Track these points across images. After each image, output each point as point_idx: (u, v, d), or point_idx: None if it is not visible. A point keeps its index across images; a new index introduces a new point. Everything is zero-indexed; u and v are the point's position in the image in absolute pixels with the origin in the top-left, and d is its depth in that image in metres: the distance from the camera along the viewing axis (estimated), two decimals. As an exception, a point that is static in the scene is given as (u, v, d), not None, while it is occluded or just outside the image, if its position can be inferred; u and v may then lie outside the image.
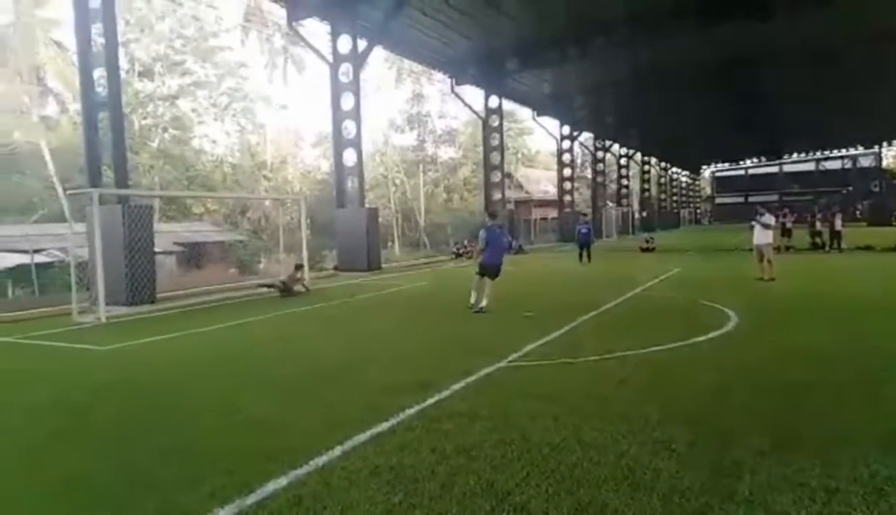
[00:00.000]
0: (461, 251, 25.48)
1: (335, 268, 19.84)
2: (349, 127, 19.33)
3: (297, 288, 13.64)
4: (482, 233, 10.42)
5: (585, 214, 25.18)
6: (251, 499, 3.35)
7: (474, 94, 29.76)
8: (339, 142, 19.60)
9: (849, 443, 3.88)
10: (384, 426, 4.48)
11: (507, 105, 32.95)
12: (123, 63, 28.46)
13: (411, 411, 4.81)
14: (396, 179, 48.43)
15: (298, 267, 14.35)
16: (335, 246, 21.28)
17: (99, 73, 12.71)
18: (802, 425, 4.29)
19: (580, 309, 9.65)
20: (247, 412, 4.99)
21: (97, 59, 12.72)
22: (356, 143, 19.42)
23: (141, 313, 11.02)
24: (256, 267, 32.19)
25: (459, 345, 7.53)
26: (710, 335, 7.50)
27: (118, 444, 4.40)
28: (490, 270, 10.20)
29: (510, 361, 6.44)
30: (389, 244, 43.17)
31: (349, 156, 19.58)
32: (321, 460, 3.87)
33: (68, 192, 18.59)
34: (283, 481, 3.57)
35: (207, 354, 7.62)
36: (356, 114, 19.27)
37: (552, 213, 44.93)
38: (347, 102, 19.31)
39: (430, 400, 5.08)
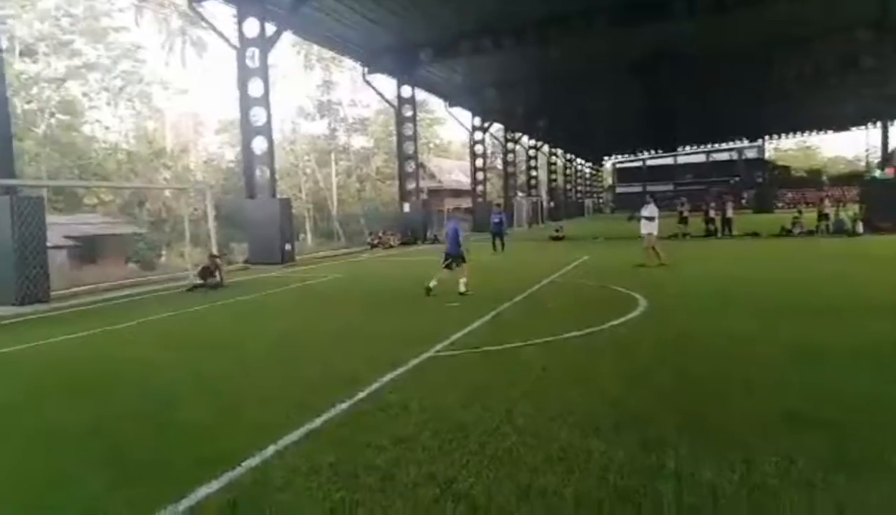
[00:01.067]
0: (376, 242, 25.31)
1: (246, 262, 19.14)
2: (258, 114, 18.64)
3: (213, 280, 13.10)
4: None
5: (499, 204, 25.77)
6: (183, 505, 3.21)
7: (387, 83, 29.54)
8: (248, 130, 18.86)
9: (757, 418, 4.23)
10: (317, 422, 4.41)
11: (420, 95, 32.95)
12: (1, 40, 25.90)
13: (343, 406, 4.76)
14: (307, 169, 47.25)
15: (213, 257, 13.75)
16: (244, 238, 20.50)
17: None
18: (713, 403, 4.62)
19: (500, 298, 9.87)
20: (173, 415, 4.75)
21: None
22: (266, 131, 18.78)
23: (37, 312, 10.17)
24: (157, 262, 30.46)
25: (385, 337, 7.50)
26: (623, 319, 7.89)
27: (41, 450, 4.06)
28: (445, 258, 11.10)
29: (437, 351, 6.49)
30: (301, 236, 42.10)
31: (259, 145, 18.89)
32: (254, 461, 3.75)
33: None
34: (214, 485, 3.44)
35: (120, 355, 7.16)
36: (265, 100, 18.63)
37: (465, 203, 45.52)
38: (256, 88, 18.61)
39: (361, 394, 5.04)
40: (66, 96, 33.40)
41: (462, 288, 10.52)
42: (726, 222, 22.54)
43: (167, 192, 35.92)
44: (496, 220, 21.05)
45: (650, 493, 3.17)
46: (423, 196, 36.36)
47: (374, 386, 5.26)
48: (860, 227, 20.31)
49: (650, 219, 14.23)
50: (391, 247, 24.68)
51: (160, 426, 4.55)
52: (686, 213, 23.83)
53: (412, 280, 13.60)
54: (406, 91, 28.53)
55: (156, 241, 31.15)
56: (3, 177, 10.95)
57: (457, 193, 49.44)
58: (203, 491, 3.36)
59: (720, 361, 5.80)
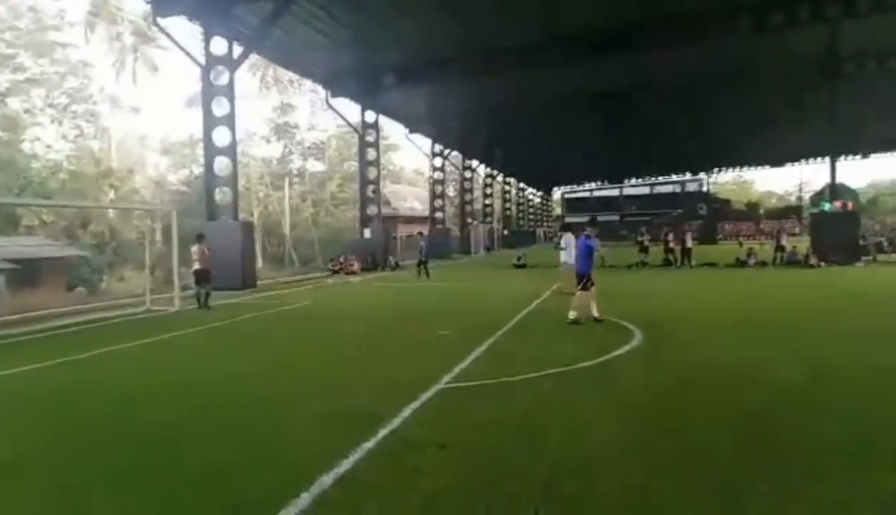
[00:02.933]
0: (337, 267, 24.68)
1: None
2: (222, 134, 18.01)
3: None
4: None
5: (421, 233, 25.98)
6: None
7: (348, 108, 29.26)
8: (210, 150, 18.15)
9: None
10: (346, 465, 4.01)
11: (380, 120, 32.78)
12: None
13: (369, 445, 4.37)
14: (260, 192, 46.14)
15: (199, 236, 14.02)
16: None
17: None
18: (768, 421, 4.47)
19: (491, 326, 9.62)
20: (186, 458, 4.24)
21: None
22: (230, 152, 18.14)
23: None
24: (99, 286, 28.83)
25: (389, 367, 7.10)
26: (626, 348, 7.75)
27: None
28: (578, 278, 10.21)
29: (446, 383, 6.16)
30: (252, 260, 40.79)
31: (221, 165, 18.22)
32: (293, 511, 3.34)
33: None
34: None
35: (91, 395, 6.47)
36: (230, 120, 18.04)
37: (417, 230, 45.39)
38: (220, 108, 18.01)
39: (383, 432, 4.66)
40: (7, 112, 31.52)
41: (573, 315, 9.86)
42: (685, 252, 23.06)
43: (111, 214, 34.29)
44: (422, 246, 21.43)
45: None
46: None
47: (396, 422, 4.90)
48: (812, 259, 21.13)
49: (563, 249, 14.56)
50: (353, 273, 24.11)
51: (172, 465, 4.04)
52: (647, 243, 24.29)
53: (388, 308, 13.28)
54: (370, 116, 28.33)
55: (99, 265, 29.51)
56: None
57: (410, 220, 49.23)
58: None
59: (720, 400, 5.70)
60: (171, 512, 3.48)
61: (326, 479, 3.75)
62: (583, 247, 10.32)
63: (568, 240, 14.47)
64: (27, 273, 21.61)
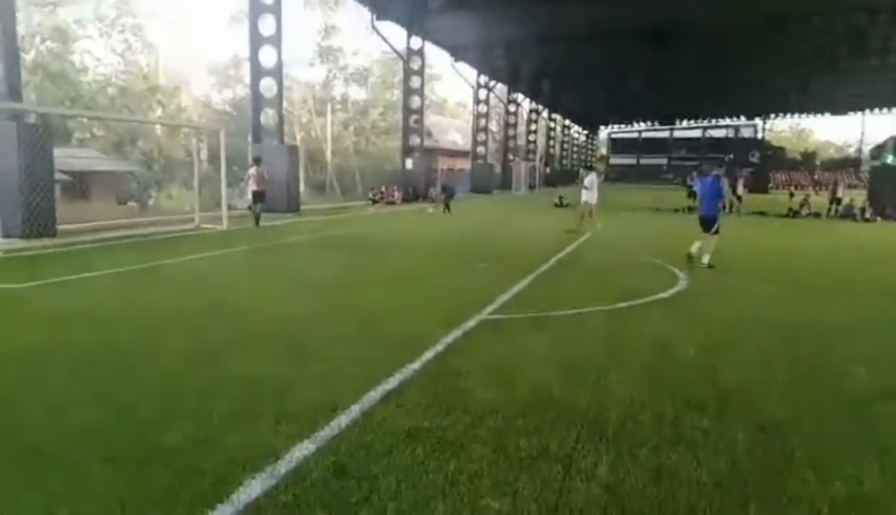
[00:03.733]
0: (378, 197, 24.77)
1: (249, 208, 18.57)
2: (269, 53, 17.88)
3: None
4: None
5: (444, 169, 26.54)
6: (265, 481, 2.92)
7: (392, 32, 28.55)
8: (257, 70, 18.11)
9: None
10: (392, 383, 4.13)
11: (425, 48, 31.98)
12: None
13: (414, 365, 4.49)
14: (302, 118, 46.03)
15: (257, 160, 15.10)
16: (240, 183, 19.91)
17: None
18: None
19: (536, 260, 9.63)
20: (234, 367, 4.43)
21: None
22: (276, 73, 18.09)
23: (45, 247, 9.68)
24: (148, 202, 29.60)
25: (436, 296, 7.21)
26: (671, 292, 7.67)
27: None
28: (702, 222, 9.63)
29: (489, 314, 6.21)
30: (294, 186, 41.18)
31: (268, 87, 18.18)
32: (343, 421, 3.48)
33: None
34: (311, 446, 3.17)
35: (165, 298, 6.77)
36: (277, 39, 17.87)
37: (458, 164, 44.95)
38: (267, 27, 17.80)
39: (429, 354, 4.77)
40: (58, 22, 31.72)
41: (706, 260, 9.30)
42: (737, 199, 22.34)
43: (158, 131, 34.78)
44: (443, 186, 22.07)
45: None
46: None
47: (442, 346, 5.00)
48: (868, 213, 20.29)
49: (587, 188, 14.61)
50: (393, 203, 24.18)
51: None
52: (695, 188, 23.52)
53: (430, 239, 13.37)
54: (415, 42, 27.63)
55: (148, 181, 30.23)
56: (11, 100, 10.25)
57: (452, 154, 48.72)
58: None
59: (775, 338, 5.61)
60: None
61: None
62: (709, 188, 9.63)
63: (591, 179, 14.70)
64: (80, 185, 22.32)
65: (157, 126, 34.25)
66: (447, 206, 20.76)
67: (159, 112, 36.02)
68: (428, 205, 22.83)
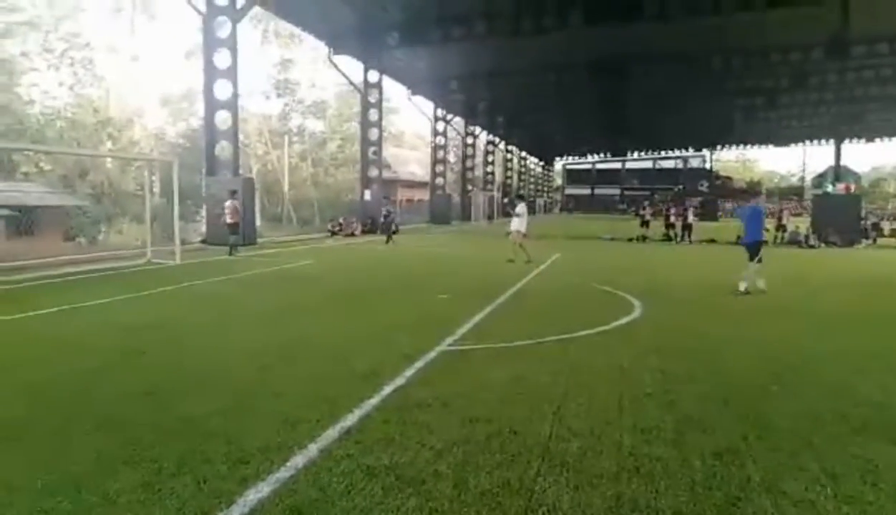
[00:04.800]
0: (336, 228, 24.61)
1: (203, 242, 18.25)
2: (224, 86, 17.76)
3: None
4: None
5: (387, 197, 25.98)
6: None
7: (350, 67, 28.77)
8: (212, 103, 17.95)
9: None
10: (351, 419, 4.04)
11: (382, 82, 32.27)
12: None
13: (373, 401, 4.41)
14: (258, 150, 45.63)
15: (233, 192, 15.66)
16: (194, 217, 19.62)
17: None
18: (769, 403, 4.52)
19: (496, 290, 9.67)
20: (180, 409, 4.26)
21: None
22: (232, 105, 17.96)
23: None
24: (97, 238, 28.64)
25: (392, 329, 7.12)
26: (626, 319, 7.78)
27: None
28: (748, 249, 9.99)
29: (449, 345, 6.18)
30: (250, 218, 40.52)
31: (223, 119, 18.02)
32: (299, 460, 3.38)
33: None
34: (265, 489, 3.06)
35: (114, 338, 6.50)
36: (233, 73, 17.80)
37: (417, 195, 45.24)
38: (222, 60, 17.72)
39: (388, 389, 4.70)
40: (2, 55, 30.79)
41: (761, 285, 9.82)
42: (686, 228, 23.01)
43: (109, 165, 33.94)
44: (385, 213, 20.90)
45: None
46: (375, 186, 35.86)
47: (400, 381, 4.93)
48: (812, 240, 21.15)
49: (517, 215, 14.78)
50: (353, 235, 24.06)
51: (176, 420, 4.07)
52: (648, 217, 24.26)
53: (389, 270, 13.31)
54: (372, 76, 27.90)
55: (97, 216, 29.31)
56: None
57: (411, 185, 48.91)
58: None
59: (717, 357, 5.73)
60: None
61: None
62: (752, 214, 10.13)
63: (520, 208, 14.89)
64: (26, 220, 21.45)
65: (108, 159, 33.41)
66: (390, 237, 20.03)
67: (110, 145, 35.15)
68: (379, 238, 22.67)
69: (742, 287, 9.83)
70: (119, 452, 3.47)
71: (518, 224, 14.60)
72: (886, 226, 24.24)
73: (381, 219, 21.32)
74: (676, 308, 8.83)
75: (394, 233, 20.54)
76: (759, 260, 9.94)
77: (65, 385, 4.78)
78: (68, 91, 34.34)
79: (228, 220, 15.38)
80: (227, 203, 15.50)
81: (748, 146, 68.97)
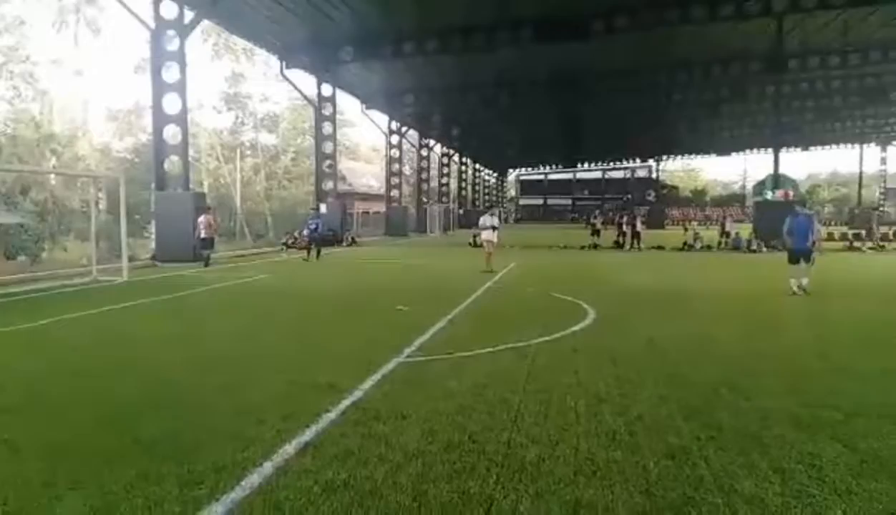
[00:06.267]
0: (291, 242, 24.27)
1: (152, 258, 17.73)
2: (173, 100, 17.39)
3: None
4: (787, 220, 11.09)
5: (315, 208, 24.23)
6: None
7: (303, 81, 28.59)
8: (160, 118, 17.53)
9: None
10: (308, 434, 4.00)
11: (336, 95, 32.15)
12: None
13: (331, 414, 4.37)
14: (210, 164, 44.68)
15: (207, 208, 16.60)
16: (142, 233, 19.08)
17: None
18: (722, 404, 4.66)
19: (453, 300, 9.71)
20: (133, 430, 4.13)
21: None
22: (181, 120, 17.57)
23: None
24: (41, 256, 27.45)
25: (351, 341, 7.07)
26: (581, 325, 7.92)
27: None
28: (791, 254, 10.93)
29: (408, 356, 6.18)
30: (201, 233, 39.50)
31: (172, 134, 17.62)
32: (255, 479, 3.32)
33: None
34: (219, 509, 2.99)
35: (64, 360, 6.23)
36: (181, 87, 17.44)
37: (374, 207, 45.10)
38: (171, 74, 17.36)
39: (346, 402, 4.67)
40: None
41: (804, 287, 10.58)
42: (635, 236, 23.57)
43: (53, 181, 32.70)
44: (312, 227, 19.14)
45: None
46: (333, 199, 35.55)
47: (358, 393, 4.90)
48: (754, 245, 21.99)
49: (484, 228, 15.24)
50: (307, 248, 23.71)
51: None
52: (599, 226, 24.77)
53: (347, 283, 13.22)
54: (326, 89, 27.78)
55: (41, 234, 28.08)
56: None
57: (366, 198, 48.72)
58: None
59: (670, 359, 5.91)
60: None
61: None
62: (800, 225, 10.85)
63: (484, 221, 15.30)
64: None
65: (52, 175, 32.17)
66: (313, 250, 18.92)
67: (53, 161, 33.83)
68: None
69: (795, 286, 10.68)
70: (65, 478, 3.35)
71: (491, 234, 14.94)
72: (823, 231, 25.37)
73: (306, 232, 19.55)
74: (628, 312, 9.03)
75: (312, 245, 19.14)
76: (813, 262, 10.89)
77: (6, 411, 4.58)
78: (8, 105, 32.95)
79: (203, 235, 16.33)
80: (202, 218, 16.38)
81: (693, 155, 71.39)
